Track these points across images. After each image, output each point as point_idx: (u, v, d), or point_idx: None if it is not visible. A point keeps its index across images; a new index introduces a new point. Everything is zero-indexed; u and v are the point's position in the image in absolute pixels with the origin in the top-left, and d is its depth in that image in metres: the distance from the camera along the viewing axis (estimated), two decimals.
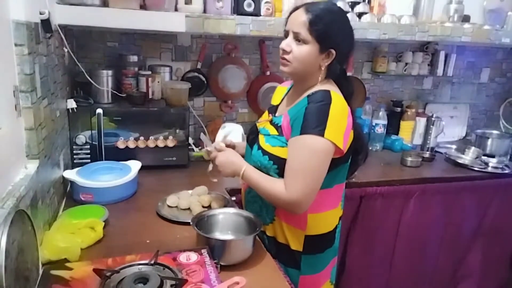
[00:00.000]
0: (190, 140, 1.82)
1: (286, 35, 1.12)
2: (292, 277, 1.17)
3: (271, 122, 1.20)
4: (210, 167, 1.27)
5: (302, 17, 1.06)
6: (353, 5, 2.00)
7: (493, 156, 2.20)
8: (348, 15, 1.30)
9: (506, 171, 2.04)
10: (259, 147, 1.16)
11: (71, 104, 1.54)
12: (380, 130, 2.25)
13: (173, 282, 0.85)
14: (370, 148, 2.21)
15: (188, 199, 1.36)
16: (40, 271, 0.91)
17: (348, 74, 1.53)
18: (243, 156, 1.23)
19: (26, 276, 0.82)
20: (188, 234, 1.17)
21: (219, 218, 1.18)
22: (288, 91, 1.28)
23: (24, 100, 0.97)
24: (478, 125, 2.71)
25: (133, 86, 1.84)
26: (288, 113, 1.13)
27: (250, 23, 1.67)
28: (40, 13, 1.10)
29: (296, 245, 1.18)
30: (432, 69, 2.44)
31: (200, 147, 1.88)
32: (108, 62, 1.91)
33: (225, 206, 1.32)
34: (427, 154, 2.19)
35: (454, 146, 2.34)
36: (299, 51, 1.08)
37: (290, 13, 1.12)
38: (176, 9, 1.63)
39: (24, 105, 0.98)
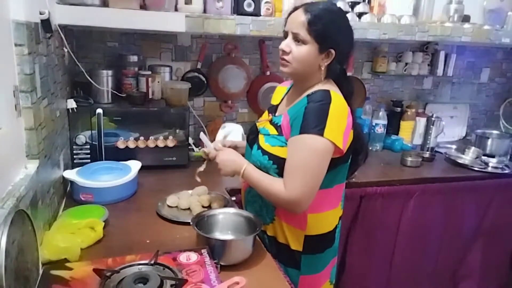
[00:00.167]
0: (190, 140, 1.82)
1: (285, 35, 1.12)
2: (292, 277, 1.17)
3: (271, 121, 1.20)
4: (202, 167, 1.29)
5: (301, 17, 1.07)
6: (353, 5, 2.00)
7: (493, 156, 2.20)
8: (348, 15, 1.31)
9: (506, 171, 2.04)
10: (259, 147, 1.16)
11: (71, 104, 1.54)
12: (380, 130, 2.25)
13: (173, 282, 0.85)
14: (370, 148, 2.21)
15: (188, 199, 1.36)
16: (40, 271, 0.91)
17: (348, 74, 1.53)
18: (243, 156, 1.23)
19: (26, 276, 0.82)
20: (188, 234, 1.17)
21: (219, 218, 1.18)
22: (288, 91, 1.28)
23: (24, 100, 0.97)
24: (478, 125, 2.71)
25: (133, 86, 1.84)
26: (287, 112, 1.13)
27: (250, 23, 1.67)
28: (40, 13, 1.10)
29: (296, 245, 1.18)
30: (432, 69, 2.44)
31: (200, 147, 1.88)
32: (108, 62, 1.91)
33: (225, 206, 1.32)
34: (427, 154, 2.19)
35: (454, 146, 2.34)
36: (299, 51, 1.08)
37: (289, 14, 1.12)
38: (176, 9, 1.63)
39: (24, 105, 0.98)
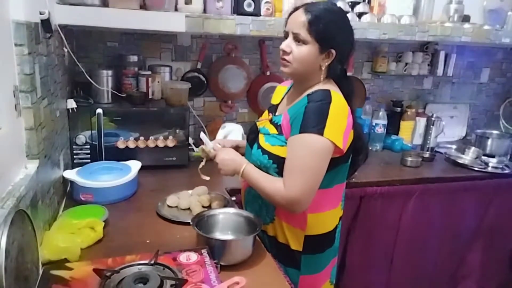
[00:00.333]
0: (190, 140, 1.82)
1: (286, 36, 1.12)
2: (292, 277, 1.17)
3: (271, 121, 1.20)
4: (201, 164, 1.29)
5: (301, 17, 1.07)
6: (353, 5, 2.00)
7: (493, 156, 2.20)
8: (348, 15, 1.30)
9: (506, 171, 2.04)
10: (259, 146, 1.16)
11: (71, 104, 1.54)
12: (380, 130, 2.25)
13: (173, 282, 0.85)
14: (370, 148, 2.21)
15: (188, 199, 1.36)
16: (40, 271, 0.91)
17: (348, 74, 1.53)
18: (243, 155, 1.23)
19: (26, 276, 0.82)
20: (188, 234, 1.17)
21: (219, 218, 1.18)
22: (288, 90, 1.28)
23: (24, 100, 0.97)
24: (478, 125, 2.71)
25: (133, 86, 1.84)
26: (288, 112, 1.13)
27: (250, 23, 1.67)
28: (40, 13, 1.10)
29: (296, 245, 1.18)
30: (432, 69, 2.44)
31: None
32: (108, 62, 1.91)
33: (225, 206, 1.32)
34: (427, 154, 2.19)
35: (454, 146, 2.34)
36: (299, 51, 1.08)
37: (290, 14, 1.12)
38: (176, 9, 1.63)
39: (24, 105, 0.98)
